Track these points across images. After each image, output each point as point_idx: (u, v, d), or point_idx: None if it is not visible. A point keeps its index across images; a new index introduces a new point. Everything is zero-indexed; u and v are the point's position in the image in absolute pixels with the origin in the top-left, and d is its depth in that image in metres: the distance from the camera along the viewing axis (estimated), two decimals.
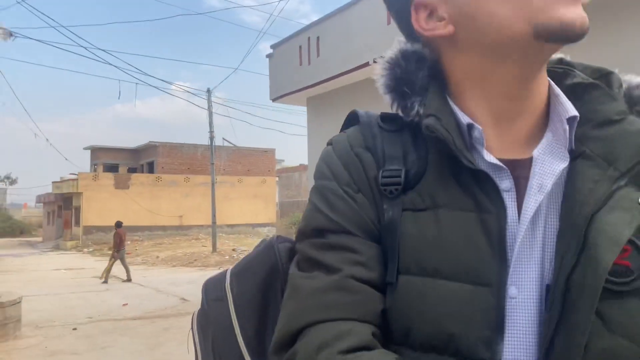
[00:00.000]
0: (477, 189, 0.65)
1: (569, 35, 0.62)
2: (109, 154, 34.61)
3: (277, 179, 32.40)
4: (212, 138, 20.32)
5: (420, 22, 0.72)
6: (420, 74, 0.72)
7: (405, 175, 0.69)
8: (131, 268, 14.11)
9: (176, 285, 12.38)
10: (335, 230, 0.68)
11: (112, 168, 33.33)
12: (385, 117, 0.76)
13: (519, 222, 0.64)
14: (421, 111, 0.70)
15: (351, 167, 0.71)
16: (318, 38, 7.96)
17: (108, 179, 29.10)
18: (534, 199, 0.64)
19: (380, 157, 0.71)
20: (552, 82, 0.71)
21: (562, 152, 0.66)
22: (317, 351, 0.59)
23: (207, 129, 20.18)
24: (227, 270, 0.83)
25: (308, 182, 9.67)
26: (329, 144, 0.76)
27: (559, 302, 0.60)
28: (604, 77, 0.69)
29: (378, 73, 0.75)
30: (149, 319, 8.45)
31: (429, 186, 0.67)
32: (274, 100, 9.26)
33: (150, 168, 32.73)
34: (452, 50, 0.71)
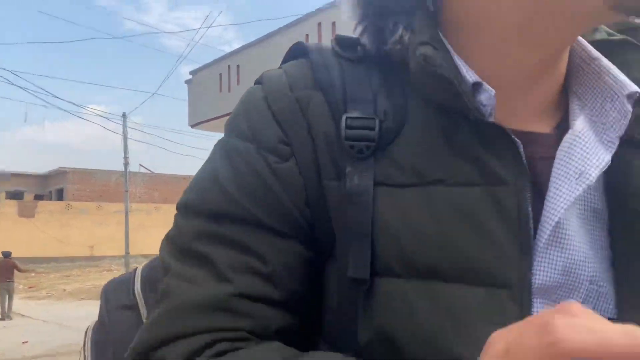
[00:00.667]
0: (486, 153, 0.46)
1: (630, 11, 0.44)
2: (13, 180, 32.30)
3: None
4: (126, 164, 19.51)
5: None
6: None
7: (379, 128, 0.47)
8: (34, 303, 13.08)
9: (83, 319, 11.42)
10: (236, 217, 0.47)
11: (16, 195, 31.09)
12: (343, 41, 0.53)
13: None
14: (406, 37, 0.49)
15: (285, 120, 0.49)
16: (238, 66, 8.18)
17: (10, 206, 27.05)
18: (567, 186, 0.45)
19: (340, 99, 0.49)
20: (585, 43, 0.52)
21: (609, 136, 0.48)
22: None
23: (122, 154, 19.47)
24: (134, 270, 0.67)
25: None
26: (257, 82, 0.55)
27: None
28: (632, 31, 0.53)
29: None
30: (52, 357, 7.87)
31: (411, 150, 0.47)
32: (192, 126, 9.24)
33: (60, 195, 30.85)
34: None
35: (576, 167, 0.46)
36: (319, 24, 7.03)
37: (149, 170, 29.34)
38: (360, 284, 0.45)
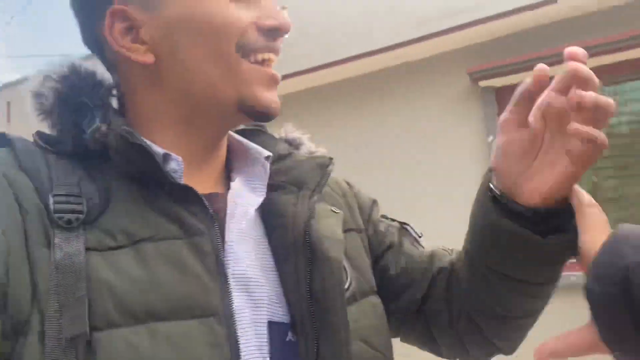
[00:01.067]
0: (183, 212, 0.58)
1: (263, 114, 0.67)
2: None
3: None
4: None
5: (115, 34, 0.62)
6: (99, 91, 0.63)
7: (86, 204, 0.55)
8: None
9: None
10: None
11: None
12: (44, 136, 0.62)
13: (223, 245, 0.60)
14: (104, 127, 0.59)
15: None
16: (9, 103, 6.97)
17: None
18: (237, 222, 0.63)
19: (46, 181, 0.55)
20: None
21: (260, 187, 0.69)
22: None
23: None
24: None
25: None
26: None
27: (307, 317, 0.60)
28: (262, 127, 0.78)
29: (32, 89, 0.61)
30: None
31: (119, 219, 0.56)
32: None
33: None
34: (148, 81, 0.64)
35: (241, 210, 0.64)
36: None
37: None
38: (79, 342, 0.48)
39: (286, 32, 0.70)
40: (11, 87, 7.08)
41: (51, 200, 0.53)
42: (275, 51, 0.69)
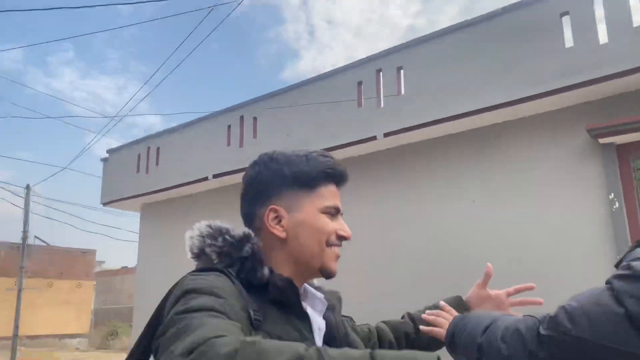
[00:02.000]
0: (301, 326, 1.06)
1: (330, 276, 1.20)
2: None
3: (94, 283, 29.67)
4: (25, 239, 17.98)
5: (269, 219, 1.15)
6: (246, 246, 1.11)
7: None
8: None
9: None
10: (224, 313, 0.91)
11: None
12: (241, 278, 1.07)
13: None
14: (267, 272, 1.08)
15: (237, 295, 1.00)
16: (158, 149, 8.17)
17: None
18: (319, 334, 1.14)
19: (245, 299, 1.00)
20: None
21: (320, 311, 1.19)
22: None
23: (12, 223, 17.87)
24: None
25: (133, 286, 9.06)
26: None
27: None
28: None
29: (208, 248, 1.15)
30: None
31: (273, 326, 1.00)
32: (105, 204, 8.79)
33: None
34: (279, 246, 1.16)
35: (317, 326, 1.14)
36: (241, 117, 7.08)
37: (45, 242, 27.08)
38: None
39: (348, 239, 1.23)
40: (159, 136, 8.11)
41: (251, 312, 0.98)
42: (340, 246, 1.21)
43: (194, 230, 1.18)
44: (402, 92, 5.52)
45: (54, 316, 26.94)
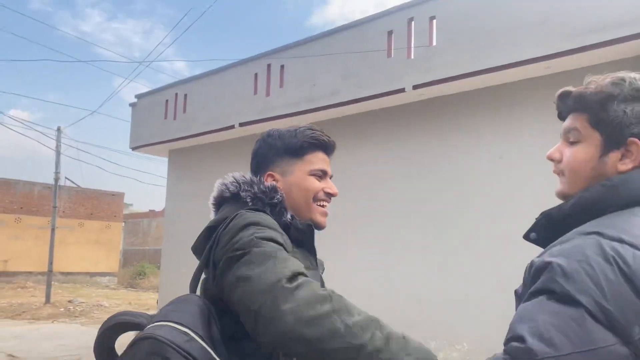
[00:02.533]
0: (311, 260, 1.36)
1: (319, 228, 1.40)
2: None
3: (123, 224, 30.53)
4: (57, 180, 18.53)
5: (269, 182, 1.39)
6: (277, 196, 1.34)
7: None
8: None
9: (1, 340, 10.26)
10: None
11: None
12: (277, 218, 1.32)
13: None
14: (290, 218, 1.33)
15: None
16: (186, 95, 8.24)
17: None
18: (320, 270, 1.44)
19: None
20: None
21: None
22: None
23: (44, 164, 18.26)
24: (168, 324, 1.03)
25: (161, 230, 9.42)
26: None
27: None
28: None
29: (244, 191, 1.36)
30: None
31: (297, 256, 1.22)
32: (134, 149, 8.99)
33: None
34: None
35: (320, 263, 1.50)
36: (269, 65, 7.04)
37: (76, 184, 27.61)
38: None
39: (335, 196, 1.44)
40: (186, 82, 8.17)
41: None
42: (328, 202, 1.44)
43: (228, 177, 1.38)
44: (434, 43, 5.43)
45: (85, 255, 27.95)
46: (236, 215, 1.21)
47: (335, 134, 6.19)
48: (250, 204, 1.29)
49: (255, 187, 1.33)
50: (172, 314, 1.07)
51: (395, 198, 5.92)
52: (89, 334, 9.31)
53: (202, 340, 1.03)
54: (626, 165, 1.01)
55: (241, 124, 7.08)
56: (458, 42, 5.22)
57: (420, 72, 5.44)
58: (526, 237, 1.10)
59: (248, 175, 1.40)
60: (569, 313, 0.84)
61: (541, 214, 1.08)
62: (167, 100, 8.27)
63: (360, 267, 5.96)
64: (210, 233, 1.26)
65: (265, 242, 1.11)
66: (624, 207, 0.98)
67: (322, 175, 1.43)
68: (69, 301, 16.93)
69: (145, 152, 9.15)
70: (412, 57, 5.56)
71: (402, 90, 5.57)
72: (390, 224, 5.90)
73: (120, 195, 31.02)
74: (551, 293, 0.87)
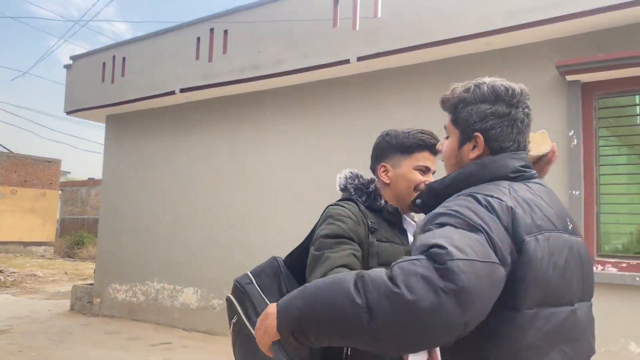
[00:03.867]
0: (401, 237, 1.77)
1: (412, 210, 1.75)
2: None
3: (60, 192, 29.58)
4: None
5: (380, 172, 1.87)
6: (371, 186, 1.83)
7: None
8: None
9: None
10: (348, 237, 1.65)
11: None
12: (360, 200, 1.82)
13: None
14: (383, 203, 1.79)
15: (360, 216, 1.75)
16: (124, 58, 7.88)
17: None
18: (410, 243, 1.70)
19: (365, 215, 1.75)
20: None
21: (411, 231, 1.80)
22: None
23: None
24: (246, 273, 1.76)
25: (99, 198, 9.12)
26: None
27: None
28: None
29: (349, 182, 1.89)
30: None
31: (384, 233, 1.73)
32: (68, 113, 8.53)
33: None
34: (387, 188, 1.84)
35: (410, 240, 1.85)
36: (211, 30, 6.83)
37: (8, 149, 26.31)
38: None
39: None
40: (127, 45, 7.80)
41: (369, 223, 1.72)
42: None
43: (342, 174, 1.90)
44: (379, 14, 5.42)
45: (18, 223, 26.66)
46: (328, 207, 1.76)
47: (279, 103, 6.17)
48: (353, 193, 1.81)
49: (357, 181, 1.84)
50: (256, 267, 1.76)
51: (337, 171, 5.95)
52: (21, 304, 9.01)
53: (258, 285, 1.65)
54: (474, 153, 1.33)
55: (182, 90, 6.87)
56: (402, 15, 5.23)
57: (365, 44, 5.44)
58: (413, 203, 1.45)
59: (354, 171, 1.89)
60: (475, 237, 1.09)
61: (426, 185, 1.47)
62: (104, 63, 7.88)
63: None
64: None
65: (324, 240, 1.61)
66: (490, 181, 1.26)
67: (425, 170, 1.81)
68: (0, 271, 16.11)
69: (81, 117, 8.74)
70: (357, 28, 5.54)
71: (347, 61, 5.55)
72: (335, 196, 5.94)
73: (57, 162, 29.63)
74: (455, 225, 1.11)
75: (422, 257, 1.03)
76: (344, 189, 1.86)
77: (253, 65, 6.26)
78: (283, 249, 1.96)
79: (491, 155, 1.31)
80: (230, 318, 1.64)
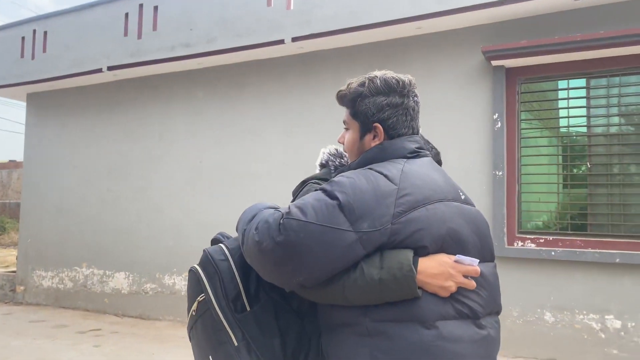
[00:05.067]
0: None
1: None
2: None
3: None
4: None
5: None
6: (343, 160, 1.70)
7: None
8: None
9: None
10: None
11: None
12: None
13: None
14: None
15: None
16: (46, 33, 7.40)
17: None
18: None
19: None
20: None
21: None
22: None
23: None
24: (220, 245, 1.47)
25: (21, 181, 8.66)
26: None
27: None
28: None
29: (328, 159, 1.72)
30: None
31: None
32: None
33: None
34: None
35: None
36: (141, 5, 6.55)
37: None
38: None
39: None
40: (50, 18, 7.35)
41: None
42: None
43: (327, 148, 1.74)
44: None
45: None
46: (308, 183, 1.62)
47: (212, 83, 6.03)
48: (333, 171, 1.67)
49: (338, 161, 1.70)
50: (231, 240, 1.50)
51: (272, 152, 5.93)
52: None
53: (233, 262, 1.42)
54: (375, 142, 1.47)
55: (110, 68, 6.57)
56: None
57: (300, 25, 5.40)
58: None
59: (340, 150, 1.71)
60: (327, 202, 1.26)
61: (336, 169, 1.61)
62: (23, 38, 7.36)
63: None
64: (302, 184, 1.64)
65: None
66: (388, 160, 1.41)
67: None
68: None
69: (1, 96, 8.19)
70: (292, 8, 5.49)
71: (282, 41, 5.50)
72: (268, 178, 5.93)
73: None
74: (325, 191, 1.30)
75: (279, 211, 1.29)
76: (324, 164, 1.75)
77: (184, 44, 6.07)
78: (217, 232, 1.90)
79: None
80: (194, 294, 1.42)
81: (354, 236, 1.22)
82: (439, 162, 1.79)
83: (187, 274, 1.50)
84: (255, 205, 1.45)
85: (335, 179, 1.32)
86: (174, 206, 6.53)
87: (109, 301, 6.93)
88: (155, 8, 6.38)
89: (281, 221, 1.24)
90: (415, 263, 1.24)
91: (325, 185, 1.31)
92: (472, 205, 1.45)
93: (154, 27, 6.35)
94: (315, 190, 1.34)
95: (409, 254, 1.24)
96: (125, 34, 6.55)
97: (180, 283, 6.33)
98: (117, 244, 6.91)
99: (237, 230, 1.44)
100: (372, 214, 1.23)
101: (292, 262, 1.23)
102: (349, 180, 1.29)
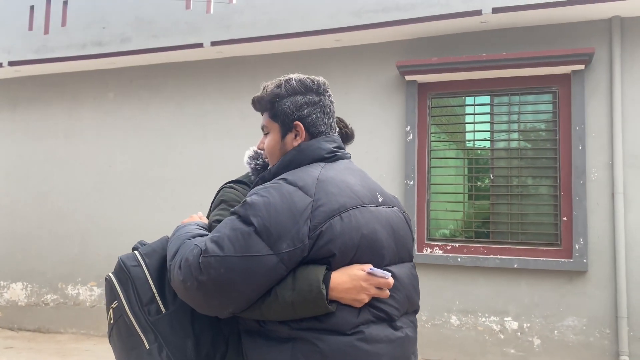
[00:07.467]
0: None
1: None
2: None
3: None
4: None
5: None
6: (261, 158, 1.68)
7: None
8: None
9: None
10: None
11: None
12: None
13: None
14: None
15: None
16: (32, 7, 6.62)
17: None
18: None
19: None
20: None
21: None
22: None
23: None
24: (134, 252, 1.46)
25: None
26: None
27: None
28: None
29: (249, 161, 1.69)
30: None
31: None
32: None
33: None
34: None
35: None
36: None
37: None
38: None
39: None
40: None
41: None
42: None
43: (250, 150, 1.70)
44: (234, 1, 5.36)
45: None
46: (223, 188, 1.62)
47: (125, 84, 5.82)
48: (251, 174, 1.67)
49: (254, 162, 1.67)
50: (147, 245, 1.49)
51: (186, 158, 5.81)
52: None
53: (146, 267, 1.41)
54: (297, 141, 1.48)
55: (11, 63, 6.13)
56: (256, 3, 5.24)
57: (219, 29, 5.35)
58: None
59: (260, 151, 1.66)
60: (242, 230, 1.25)
61: (258, 176, 1.54)
62: None
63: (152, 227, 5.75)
64: (220, 188, 1.64)
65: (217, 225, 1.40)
66: (309, 163, 1.43)
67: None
68: None
69: None
70: (212, 12, 5.42)
71: (201, 45, 5.42)
72: (182, 184, 5.78)
73: None
74: (239, 216, 1.28)
75: (198, 247, 1.27)
76: (247, 166, 1.73)
77: (96, 42, 5.80)
78: (127, 239, 1.84)
79: (310, 140, 1.47)
80: (109, 302, 1.44)
81: (275, 259, 1.23)
82: (352, 136, 1.90)
83: (92, 283, 1.52)
84: (181, 231, 1.43)
85: (249, 199, 1.30)
86: (79, 212, 6.18)
87: (3, 314, 6.42)
88: (65, 3, 6.05)
89: (200, 260, 1.23)
90: (327, 280, 1.25)
91: (239, 209, 1.30)
92: (392, 205, 1.49)
93: (63, 23, 6.02)
94: (230, 212, 1.33)
95: (320, 272, 1.25)
96: (30, 28, 6.15)
97: (85, 293, 5.98)
98: (15, 252, 6.42)
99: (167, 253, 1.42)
100: (290, 233, 1.24)
101: (218, 297, 1.24)
102: (263, 200, 1.28)
